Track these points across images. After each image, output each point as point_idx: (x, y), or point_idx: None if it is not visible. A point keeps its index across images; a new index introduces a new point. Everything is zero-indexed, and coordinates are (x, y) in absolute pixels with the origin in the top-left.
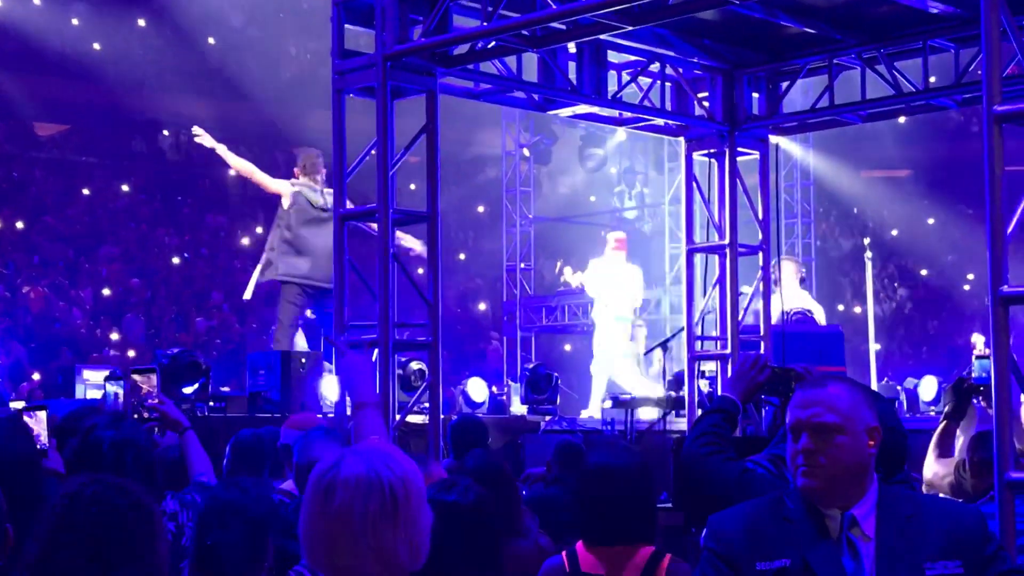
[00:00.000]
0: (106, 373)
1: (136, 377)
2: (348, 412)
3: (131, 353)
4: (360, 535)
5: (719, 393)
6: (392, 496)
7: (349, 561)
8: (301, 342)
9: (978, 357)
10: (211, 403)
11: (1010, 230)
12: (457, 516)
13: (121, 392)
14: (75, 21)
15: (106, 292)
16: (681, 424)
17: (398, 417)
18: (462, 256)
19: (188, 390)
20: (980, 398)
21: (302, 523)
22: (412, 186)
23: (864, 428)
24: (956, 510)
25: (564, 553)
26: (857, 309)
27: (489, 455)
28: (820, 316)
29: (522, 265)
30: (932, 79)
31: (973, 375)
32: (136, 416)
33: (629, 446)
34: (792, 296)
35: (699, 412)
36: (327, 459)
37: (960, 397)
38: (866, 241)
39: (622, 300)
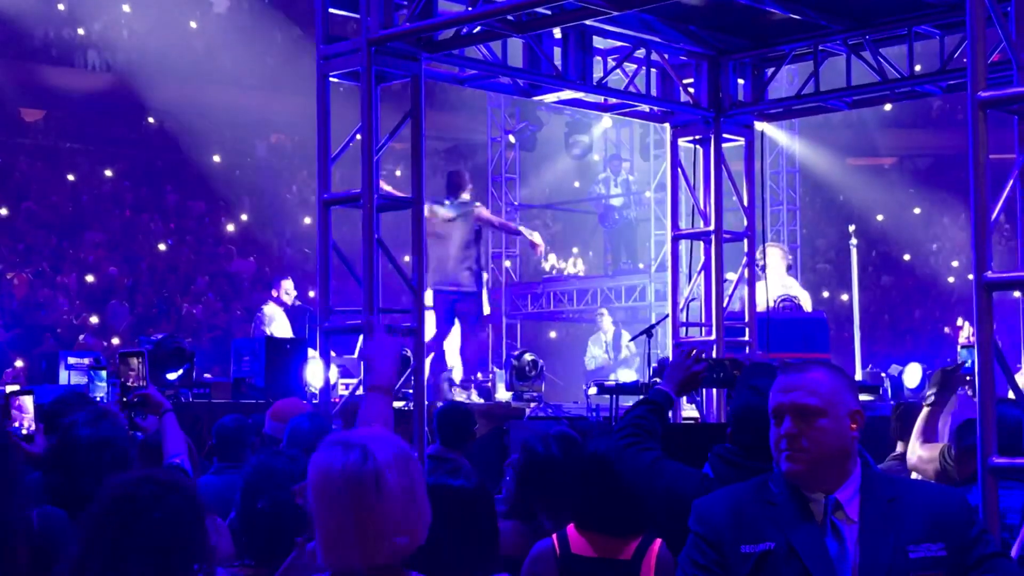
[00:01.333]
0: (88, 360)
1: (124, 361)
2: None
3: (115, 340)
4: (416, 503)
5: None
6: (377, 480)
7: (337, 536)
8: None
9: (964, 346)
10: (194, 389)
11: (994, 217)
12: (462, 500)
13: (105, 384)
14: (61, 7)
15: (90, 279)
16: None
17: None
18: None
19: (172, 376)
20: (966, 387)
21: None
22: (398, 172)
23: (847, 412)
24: (939, 493)
25: (555, 536)
26: (843, 296)
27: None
28: (806, 302)
29: (507, 252)
30: (918, 67)
31: (960, 363)
32: (122, 399)
33: None
34: (779, 283)
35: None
36: (324, 446)
37: (945, 385)
38: (851, 228)
39: None
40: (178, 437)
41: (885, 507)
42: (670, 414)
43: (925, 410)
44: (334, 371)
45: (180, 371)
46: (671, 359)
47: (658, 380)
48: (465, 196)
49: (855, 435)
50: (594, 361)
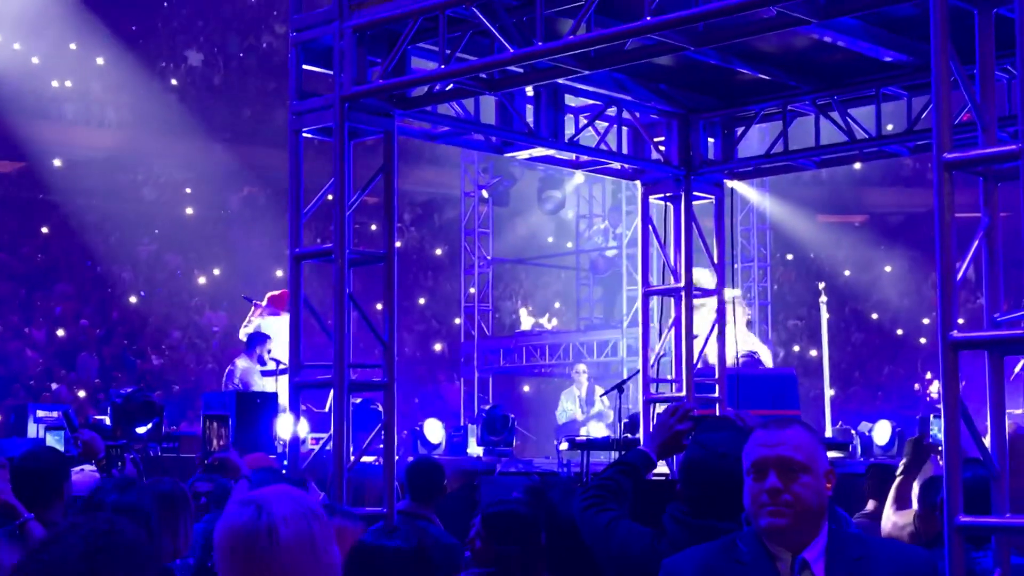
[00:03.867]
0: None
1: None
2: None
3: (81, 393)
4: (318, 557)
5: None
6: (325, 519)
7: None
8: None
9: (936, 416)
10: (163, 443)
11: (960, 276)
12: (397, 562)
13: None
14: (35, 60)
15: (60, 333)
16: None
17: (352, 458)
18: (421, 301)
19: (141, 430)
20: (939, 456)
21: None
22: (373, 227)
23: (823, 471)
24: (907, 553)
25: None
26: (812, 352)
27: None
28: (767, 358)
29: (480, 307)
30: (890, 126)
31: (932, 433)
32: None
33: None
34: (740, 338)
35: None
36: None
37: (918, 453)
38: (821, 285)
39: None
40: None
41: (852, 566)
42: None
43: (898, 479)
44: (304, 425)
45: (150, 425)
46: (656, 419)
47: (628, 436)
48: None
49: (829, 494)
50: (565, 415)
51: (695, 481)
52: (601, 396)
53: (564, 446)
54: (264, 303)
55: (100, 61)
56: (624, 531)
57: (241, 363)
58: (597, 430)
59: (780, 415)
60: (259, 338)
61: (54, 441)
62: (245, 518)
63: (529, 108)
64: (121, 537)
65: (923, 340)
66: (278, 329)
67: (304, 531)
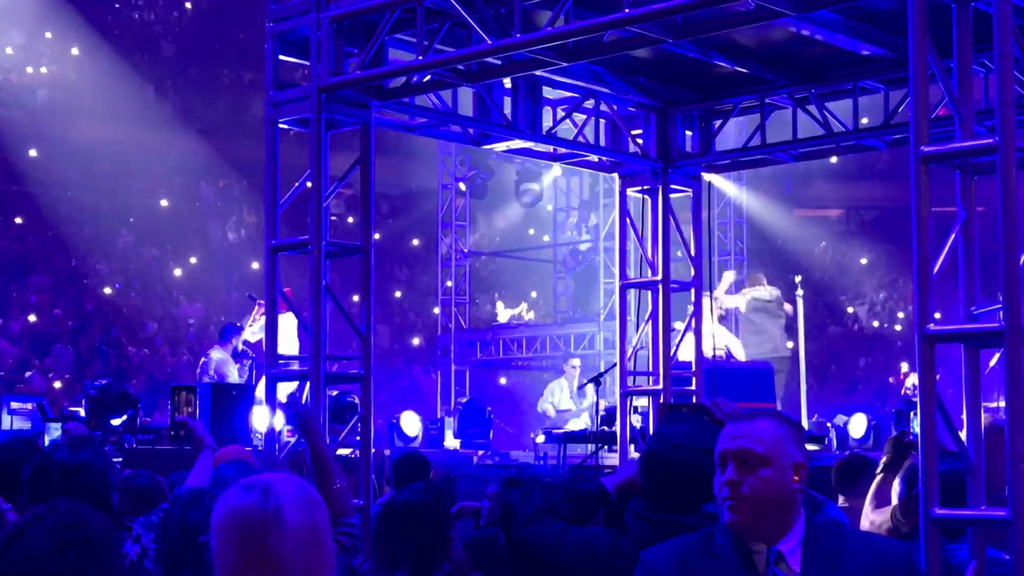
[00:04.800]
0: (31, 405)
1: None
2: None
3: (57, 384)
4: (320, 546)
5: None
6: (277, 518)
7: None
8: None
9: (914, 411)
10: (138, 435)
11: (936, 270)
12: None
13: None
14: (9, 50)
15: (32, 319)
16: (613, 459)
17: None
18: (398, 294)
19: (116, 422)
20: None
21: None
22: (351, 219)
23: (790, 463)
24: (883, 545)
25: None
26: (788, 345)
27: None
28: (739, 351)
29: (457, 300)
30: (864, 120)
31: (913, 430)
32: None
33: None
34: (708, 331)
35: (631, 447)
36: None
37: (899, 451)
38: (798, 279)
39: None
40: (201, 474)
41: (829, 558)
42: None
43: (878, 477)
44: (281, 418)
45: (124, 416)
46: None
47: (606, 428)
48: None
49: (797, 487)
50: (552, 407)
51: (654, 473)
52: (577, 389)
53: (540, 438)
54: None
55: (75, 51)
56: (580, 536)
57: (216, 354)
58: (576, 424)
59: (756, 408)
60: (233, 329)
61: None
62: (250, 500)
63: (507, 100)
64: (89, 529)
65: (898, 328)
66: (283, 327)
67: (308, 517)
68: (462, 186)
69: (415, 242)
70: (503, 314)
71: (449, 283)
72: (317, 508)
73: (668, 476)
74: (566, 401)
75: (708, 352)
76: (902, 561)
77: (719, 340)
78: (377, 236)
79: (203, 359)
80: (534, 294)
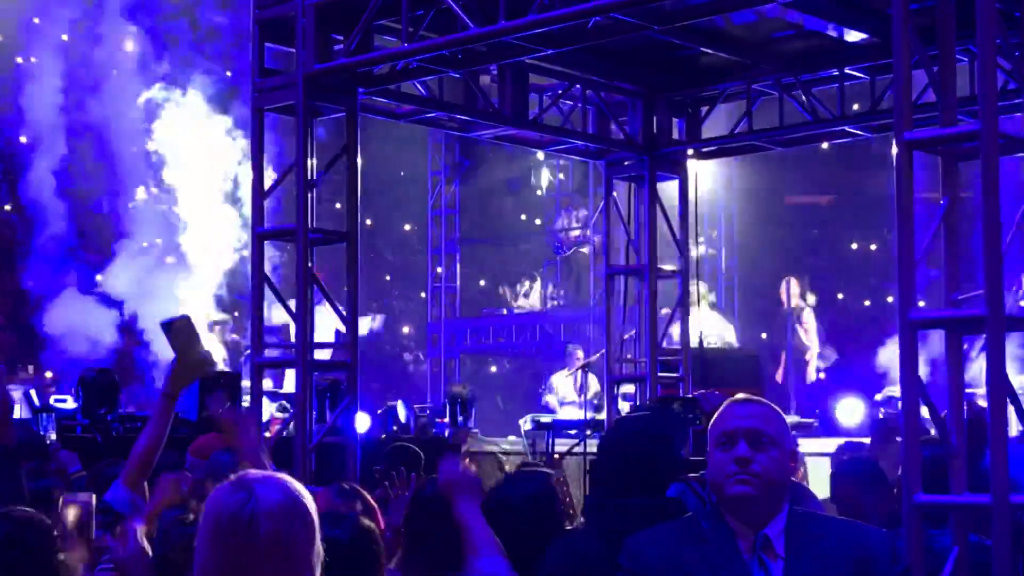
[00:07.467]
0: None
1: None
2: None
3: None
4: (290, 562)
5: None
6: (312, 521)
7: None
8: None
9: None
10: (127, 423)
11: (919, 256)
12: (334, 551)
13: None
14: None
15: None
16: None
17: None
18: (387, 277)
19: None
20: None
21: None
22: (338, 205)
23: (790, 449)
24: (863, 531)
25: None
26: None
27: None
28: (731, 336)
29: (447, 285)
30: (855, 105)
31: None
32: None
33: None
34: (703, 318)
35: None
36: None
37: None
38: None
39: None
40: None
41: (811, 543)
42: None
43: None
44: (268, 405)
45: (111, 404)
46: None
47: (595, 416)
48: None
49: (792, 474)
50: (556, 400)
51: (613, 455)
52: (566, 377)
53: (528, 426)
54: None
55: (64, 38)
56: (561, 546)
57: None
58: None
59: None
60: None
61: None
62: (233, 500)
63: (493, 88)
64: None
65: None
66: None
67: (285, 527)
68: (452, 173)
69: (407, 227)
70: (521, 300)
71: (439, 270)
72: (297, 520)
73: (627, 457)
74: (571, 393)
75: (702, 340)
76: (884, 547)
77: (711, 327)
78: (369, 222)
79: None
80: (526, 283)
